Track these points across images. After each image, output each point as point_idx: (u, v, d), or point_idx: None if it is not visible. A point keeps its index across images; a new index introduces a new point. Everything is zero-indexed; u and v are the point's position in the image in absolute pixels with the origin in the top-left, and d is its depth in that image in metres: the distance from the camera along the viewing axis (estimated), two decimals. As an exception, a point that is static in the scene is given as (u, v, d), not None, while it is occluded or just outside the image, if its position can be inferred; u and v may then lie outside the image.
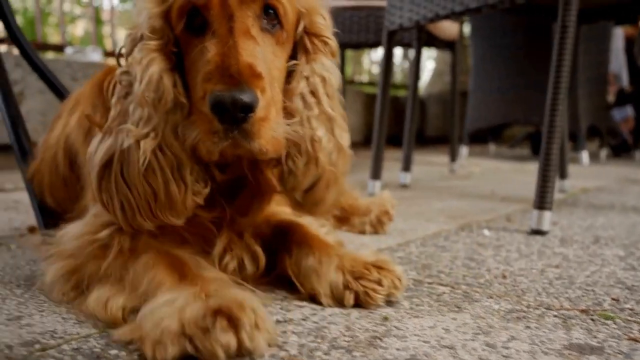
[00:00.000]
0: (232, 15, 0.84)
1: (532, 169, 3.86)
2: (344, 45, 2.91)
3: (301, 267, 0.97)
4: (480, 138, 5.58)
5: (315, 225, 1.11)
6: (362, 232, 1.52)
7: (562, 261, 1.25)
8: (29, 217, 1.58)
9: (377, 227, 1.51)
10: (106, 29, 5.77)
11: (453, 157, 3.47)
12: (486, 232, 1.55)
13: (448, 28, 2.94)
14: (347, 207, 1.57)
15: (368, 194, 2.23)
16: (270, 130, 0.82)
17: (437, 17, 1.94)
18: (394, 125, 4.84)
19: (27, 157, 1.24)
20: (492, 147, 5.54)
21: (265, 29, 0.88)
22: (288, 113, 0.90)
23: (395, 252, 1.31)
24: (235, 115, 0.77)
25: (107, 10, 5.33)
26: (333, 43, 0.98)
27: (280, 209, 1.11)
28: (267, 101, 0.81)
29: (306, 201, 0.96)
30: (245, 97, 0.76)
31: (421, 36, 2.57)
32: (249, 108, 0.77)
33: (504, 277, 1.12)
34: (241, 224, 1.00)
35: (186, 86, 0.88)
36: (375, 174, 2.23)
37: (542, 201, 1.53)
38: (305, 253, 0.98)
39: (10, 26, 1.51)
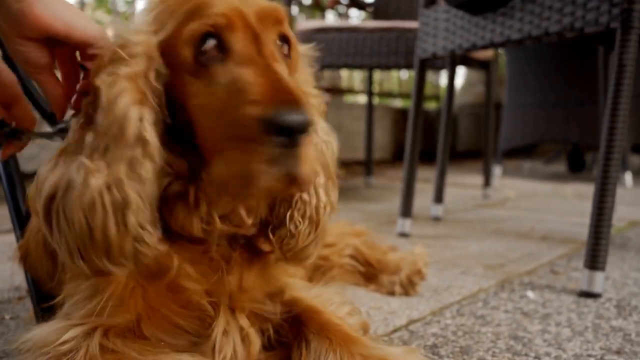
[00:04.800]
0: (257, 36, 0.76)
1: (570, 192, 3.66)
2: (372, 67, 2.77)
3: None
4: (513, 152, 5.37)
5: (336, 306, 0.97)
6: (391, 293, 1.37)
7: (624, 342, 1.08)
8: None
9: (408, 288, 1.36)
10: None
11: (487, 181, 3.30)
12: (530, 294, 1.39)
13: (483, 48, 2.78)
14: (374, 263, 1.43)
15: (397, 233, 2.08)
16: (312, 161, 0.74)
17: (474, 47, 1.78)
18: (423, 140, 4.69)
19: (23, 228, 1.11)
20: (526, 164, 5.32)
21: (281, 56, 0.80)
22: None
23: (428, 325, 1.16)
24: (298, 132, 0.68)
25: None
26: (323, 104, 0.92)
27: (289, 281, 0.97)
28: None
29: (293, 258, 0.89)
30: (306, 115, 0.68)
31: (455, 61, 2.41)
32: (309, 127, 0.69)
33: (558, 370, 0.96)
34: (239, 299, 0.88)
35: (175, 133, 0.78)
36: (406, 212, 2.08)
37: (594, 260, 1.36)
38: (325, 349, 0.85)
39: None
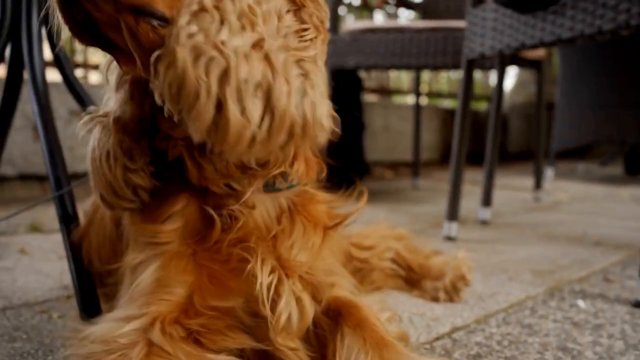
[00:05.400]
0: None
1: (627, 195, 3.52)
2: (419, 68, 2.73)
3: None
4: (566, 153, 5.20)
5: (376, 309, 0.95)
6: (435, 299, 1.34)
7: (680, 358, 1.03)
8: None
9: (452, 294, 1.33)
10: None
11: (538, 183, 3.20)
12: (581, 303, 1.34)
13: (534, 47, 2.70)
14: (416, 268, 1.40)
15: (443, 236, 2.04)
16: None
17: (523, 47, 1.73)
18: (473, 141, 4.59)
19: (69, 221, 1.14)
20: (580, 166, 5.15)
21: None
22: None
23: (472, 334, 1.13)
24: None
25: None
26: None
27: (338, 278, 0.96)
28: None
29: (189, 125, 0.66)
30: None
31: (504, 61, 2.35)
32: None
33: (608, 385, 0.92)
34: (289, 263, 0.86)
35: None
36: (452, 215, 2.04)
37: (650, 269, 1.30)
38: (358, 348, 0.83)
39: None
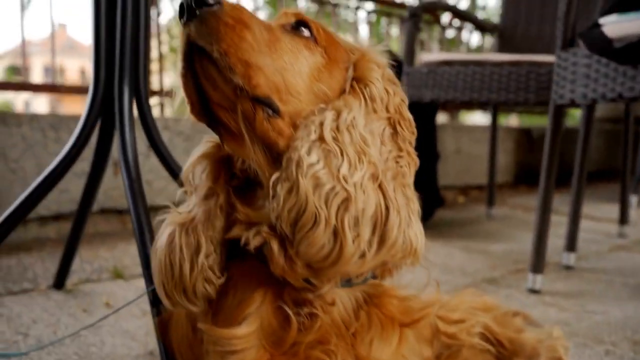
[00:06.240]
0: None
1: None
2: (499, 103, 2.63)
3: None
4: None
5: None
6: (528, 382, 1.27)
7: None
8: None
9: (547, 377, 1.26)
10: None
11: (623, 217, 3.04)
12: (692, 394, 1.23)
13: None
14: (506, 344, 1.33)
15: (527, 288, 1.95)
16: (244, 49, 0.73)
17: (620, 98, 1.63)
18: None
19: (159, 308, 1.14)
20: (666, 189, 4.84)
21: (293, 31, 0.82)
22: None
23: None
24: (197, 6, 0.72)
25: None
26: (376, 90, 0.84)
27: None
28: (245, 33, 0.73)
29: (300, 246, 0.73)
30: None
31: (594, 106, 2.23)
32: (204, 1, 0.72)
33: None
34: (369, 357, 0.84)
35: None
36: (537, 267, 1.94)
37: None
38: None
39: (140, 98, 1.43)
